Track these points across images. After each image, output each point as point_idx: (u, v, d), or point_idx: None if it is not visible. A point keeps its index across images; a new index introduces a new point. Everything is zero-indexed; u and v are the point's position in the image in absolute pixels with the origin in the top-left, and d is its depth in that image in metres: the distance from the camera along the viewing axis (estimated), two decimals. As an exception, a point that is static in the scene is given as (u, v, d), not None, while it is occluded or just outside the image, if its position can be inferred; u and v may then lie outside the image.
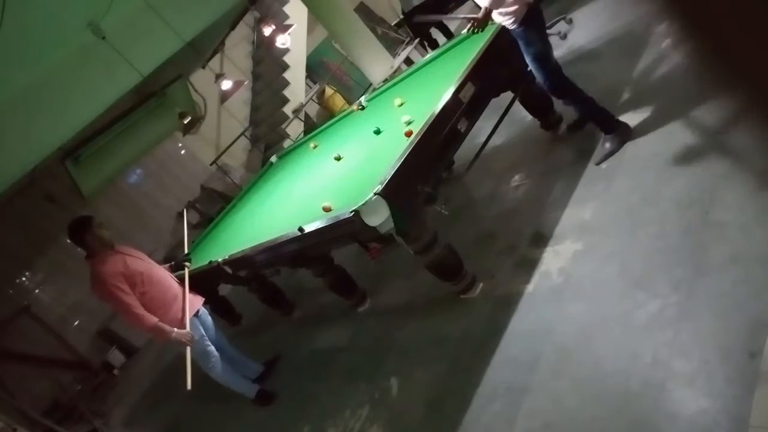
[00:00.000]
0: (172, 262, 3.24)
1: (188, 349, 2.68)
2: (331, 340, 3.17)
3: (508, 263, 2.43)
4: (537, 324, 2.04)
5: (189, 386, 2.55)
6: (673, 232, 1.87)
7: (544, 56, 2.42)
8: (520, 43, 2.42)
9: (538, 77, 2.49)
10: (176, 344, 2.70)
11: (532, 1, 2.31)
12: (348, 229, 2.15)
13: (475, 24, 2.33)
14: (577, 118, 2.69)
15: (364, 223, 2.01)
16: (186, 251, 3.33)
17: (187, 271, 3.03)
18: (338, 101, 7.77)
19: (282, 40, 5.93)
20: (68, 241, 2.74)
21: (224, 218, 4.31)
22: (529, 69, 2.78)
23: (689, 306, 1.62)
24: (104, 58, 4.44)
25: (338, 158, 3.08)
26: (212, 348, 2.91)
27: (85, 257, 2.69)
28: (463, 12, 6.19)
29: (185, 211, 3.89)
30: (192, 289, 2.93)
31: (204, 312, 3.01)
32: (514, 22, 2.34)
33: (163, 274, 2.86)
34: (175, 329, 2.65)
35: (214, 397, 3.52)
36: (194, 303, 2.89)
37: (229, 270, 3.10)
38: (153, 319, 2.60)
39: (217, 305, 4.18)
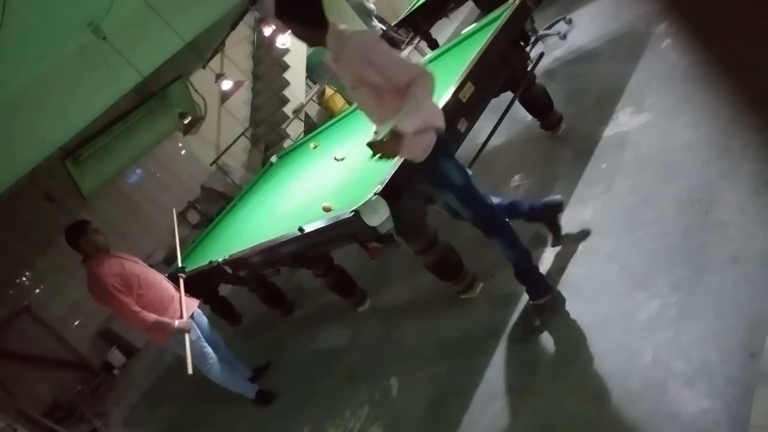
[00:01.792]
0: (166, 275, 3.24)
1: (187, 337, 2.71)
2: (331, 340, 3.17)
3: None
4: (536, 324, 2.04)
5: (190, 371, 2.60)
6: (674, 232, 1.87)
7: (468, 188, 1.89)
8: (434, 182, 1.89)
9: (466, 216, 1.97)
10: (178, 335, 2.73)
11: (443, 127, 1.81)
12: (348, 229, 2.15)
13: (384, 153, 1.73)
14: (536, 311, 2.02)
15: (364, 223, 2.01)
16: (179, 263, 3.32)
17: (182, 281, 3.06)
18: (338, 101, 7.77)
19: (282, 41, 5.94)
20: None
21: (224, 218, 4.31)
22: (529, 69, 2.80)
23: (689, 306, 1.62)
24: (105, 59, 4.44)
25: (338, 158, 3.08)
26: (209, 349, 2.94)
27: (81, 261, 2.74)
28: (463, 12, 6.21)
29: (175, 218, 3.84)
30: (187, 292, 2.98)
31: (199, 314, 3.04)
32: (423, 153, 1.82)
33: (158, 277, 2.92)
34: (176, 321, 2.73)
35: (214, 398, 3.52)
36: (190, 304, 2.93)
37: (229, 270, 3.11)
38: (152, 316, 2.66)
39: (217, 305, 4.18)
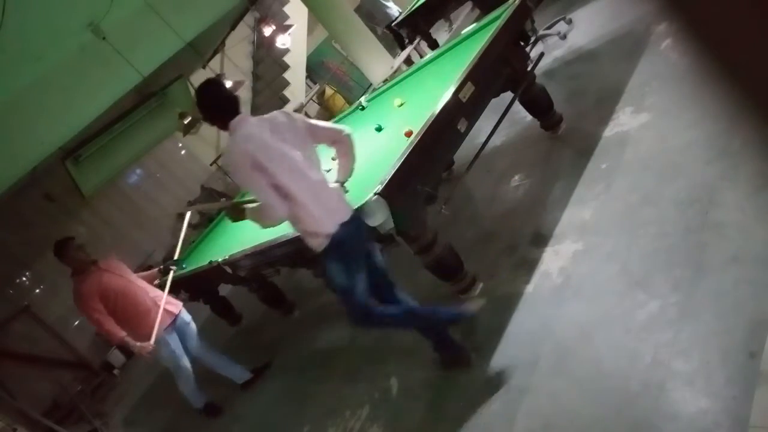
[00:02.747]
0: (161, 266, 3.31)
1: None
2: (331, 340, 3.17)
3: (508, 263, 2.43)
4: (537, 324, 2.04)
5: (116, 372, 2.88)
6: (673, 232, 1.87)
7: (346, 292, 2.02)
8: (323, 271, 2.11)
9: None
10: (139, 356, 2.94)
11: (332, 232, 1.95)
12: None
13: (229, 213, 2.18)
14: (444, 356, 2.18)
15: (364, 223, 2.01)
16: (176, 256, 3.35)
17: (170, 276, 3.13)
18: (338, 101, 7.78)
19: (282, 41, 5.95)
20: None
21: (225, 218, 4.31)
22: (529, 69, 2.80)
23: (689, 306, 1.62)
24: (104, 59, 4.45)
25: (335, 159, 3.08)
26: (184, 363, 3.10)
27: (70, 275, 2.96)
28: (464, 12, 6.20)
29: (188, 211, 3.87)
30: (188, 292, 3.08)
31: (183, 321, 3.14)
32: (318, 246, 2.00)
33: (137, 290, 3.02)
34: (138, 344, 2.85)
35: (214, 398, 3.52)
36: (165, 319, 3.00)
37: (229, 270, 3.11)
38: (120, 335, 2.84)
39: (217, 305, 4.18)
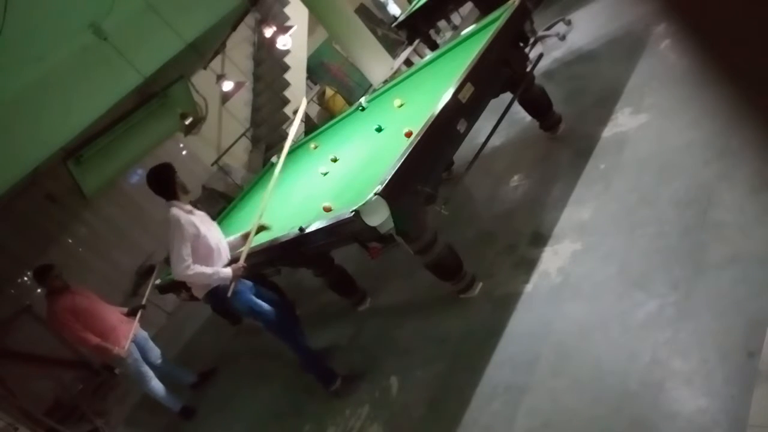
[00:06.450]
0: (128, 309, 3.94)
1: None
2: (331, 340, 3.18)
3: (508, 263, 2.43)
4: (536, 323, 2.04)
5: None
6: (672, 231, 1.87)
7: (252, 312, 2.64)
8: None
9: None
10: (117, 359, 3.49)
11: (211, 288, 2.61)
12: (348, 229, 2.16)
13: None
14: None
15: (364, 223, 2.01)
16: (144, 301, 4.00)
17: (139, 314, 3.81)
18: (339, 102, 7.80)
19: (283, 42, 5.95)
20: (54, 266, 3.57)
21: (225, 218, 4.32)
22: (528, 70, 2.81)
23: (688, 305, 1.63)
24: (106, 59, 4.47)
25: (334, 160, 3.11)
26: (145, 369, 3.62)
27: (45, 295, 3.50)
28: (465, 9, 6.20)
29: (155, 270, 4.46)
30: (134, 320, 3.74)
31: (142, 337, 3.74)
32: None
33: (102, 310, 3.60)
34: (117, 348, 3.44)
35: (215, 398, 3.54)
36: (131, 330, 3.61)
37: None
38: (95, 340, 3.39)
39: (217, 305, 4.19)
